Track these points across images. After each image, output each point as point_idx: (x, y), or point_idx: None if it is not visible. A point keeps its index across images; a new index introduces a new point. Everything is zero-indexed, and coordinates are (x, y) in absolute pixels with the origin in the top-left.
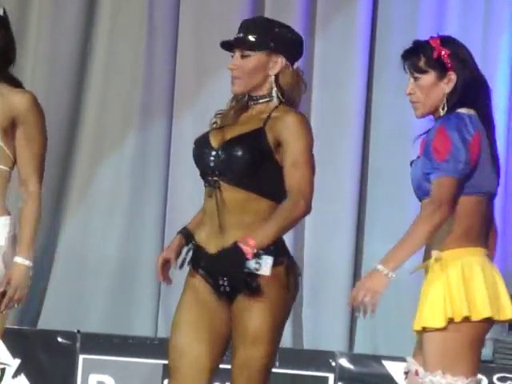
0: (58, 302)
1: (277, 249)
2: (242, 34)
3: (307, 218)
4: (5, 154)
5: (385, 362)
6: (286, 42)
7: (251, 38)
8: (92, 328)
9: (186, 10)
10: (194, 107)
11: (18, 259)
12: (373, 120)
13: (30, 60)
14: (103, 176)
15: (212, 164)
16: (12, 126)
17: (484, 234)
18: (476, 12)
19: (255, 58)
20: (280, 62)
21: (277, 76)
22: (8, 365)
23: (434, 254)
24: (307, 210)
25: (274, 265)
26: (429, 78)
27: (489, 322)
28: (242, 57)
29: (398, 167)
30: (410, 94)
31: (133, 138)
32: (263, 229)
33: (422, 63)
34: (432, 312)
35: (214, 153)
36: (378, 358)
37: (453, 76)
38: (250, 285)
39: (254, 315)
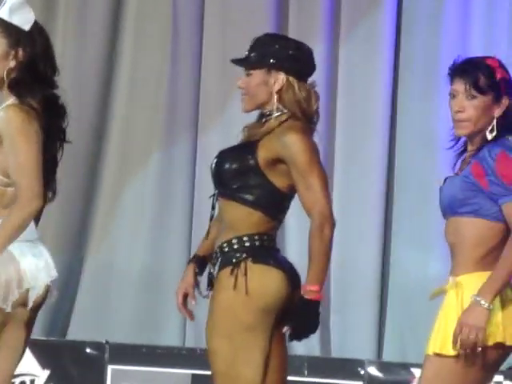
0: (86, 313)
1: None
2: (247, 53)
3: None
4: None
5: (414, 370)
6: (285, 59)
7: (252, 56)
8: (120, 338)
9: (211, 23)
10: (219, 122)
11: None
12: (398, 127)
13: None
14: (129, 191)
15: (211, 176)
16: None
17: None
18: (501, 12)
19: (256, 75)
20: (281, 78)
21: (279, 92)
22: (37, 376)
23: (450, 279)
24: (332, 227)
25: None
26: (486, 99)
27: (502, 347)
28: (247, 75)
29: (424, 174)
30: (458, 111)
31: (158, 153)
32: (312, 270)
33: (482, 83)
34: (445, 339)
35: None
36: (406, 366)
37: (505, 101)
38: None
39: None
